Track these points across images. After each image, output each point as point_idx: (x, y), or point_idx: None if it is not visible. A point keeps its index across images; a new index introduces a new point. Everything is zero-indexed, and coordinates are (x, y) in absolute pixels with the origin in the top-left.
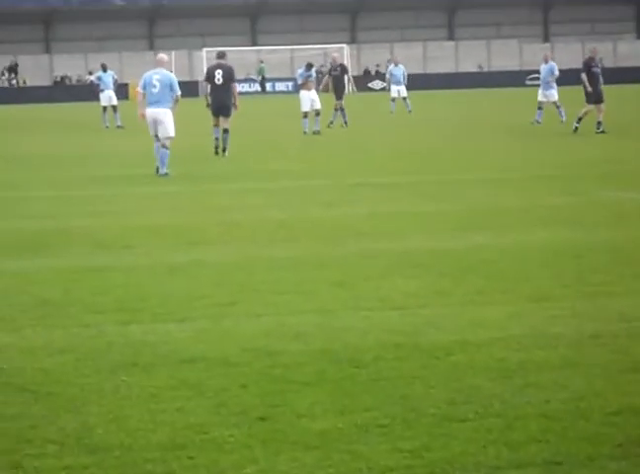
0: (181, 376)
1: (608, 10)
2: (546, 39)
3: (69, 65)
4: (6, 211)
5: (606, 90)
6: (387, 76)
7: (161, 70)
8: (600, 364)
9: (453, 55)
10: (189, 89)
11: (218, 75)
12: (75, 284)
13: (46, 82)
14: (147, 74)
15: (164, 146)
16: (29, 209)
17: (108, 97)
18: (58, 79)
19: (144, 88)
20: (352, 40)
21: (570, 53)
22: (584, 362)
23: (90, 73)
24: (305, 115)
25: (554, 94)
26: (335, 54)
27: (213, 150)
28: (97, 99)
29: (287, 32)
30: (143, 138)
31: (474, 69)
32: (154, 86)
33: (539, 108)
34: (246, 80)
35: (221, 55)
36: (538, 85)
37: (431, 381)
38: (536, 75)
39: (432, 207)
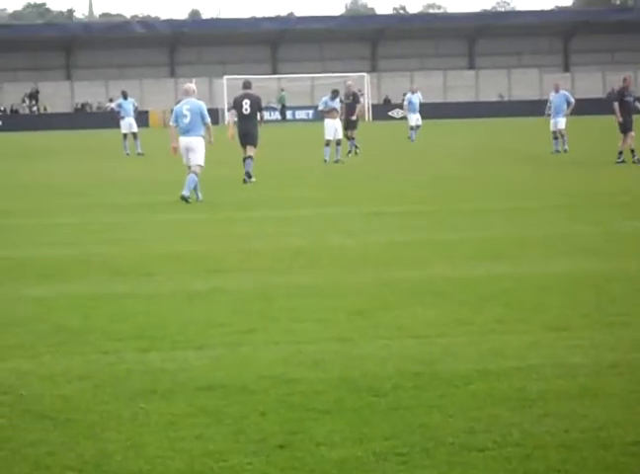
0: (199, 404)
1: (628, 39)
2: (566, 68)
3: (90, 92)
4: (26, 238)
5: None
6: (405, 104)
7: (190, 100)
8: (619, 394)
9: (474, 84)
10: (210, 117)
11: (246, 105)
12: (94, 311)
13: (67, 109)
14: (177, 106)
15: (193, 172)
16: (49, 237)
17: (128, 124)
18: (79, 106)
19: (176, 120)
20: (372, 69)
21: (590, 83)
22: (603, 392)
23: (110, 100)
24: (327, 143)
25: (562, 122)
26: (349, 82)
27: (243, 180)
28: (117, 126)
29: (308, 60)
30: (164, 166)
31: (495, 98)
32: (185, 116)
33: (555, 137)
34: (266, 108)
35: (247, 85)
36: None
37: (449, 410)
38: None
39: (451, 236)
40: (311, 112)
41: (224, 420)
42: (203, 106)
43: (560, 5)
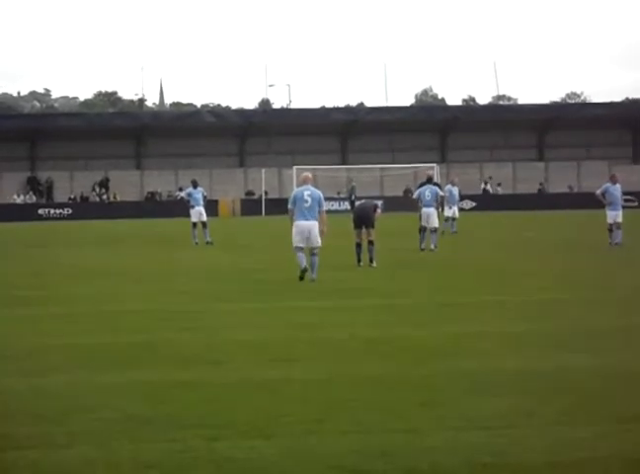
0: None
1: None
2: (636, 160)
3: (159, 181)
4: (97, 325)
5: None
6: (446, 195)
7: (309, 187)
8: None
9: (543, 176)
10: (280, 207)
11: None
12: (162, 399)
13: (137, 197)
14: (298, 190)
15: (314, 254)
16: (118, 323)
17: (198, 213)
18: (149, 195)
19: (294, 204)
20: (442, 160)
21: None
22: None
23: (180, 189)
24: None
25: (620, 215)
26: (429, 172)
27: (357, 263)
28: (187, 215)
29: (377, 151)
30: (232, 255)
31: (564, 190)
32: (306, 201)
33: (610, 230)
34: (336, 199)
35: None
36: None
37: None
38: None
39: (520, 328)
40: (380, 202)
41: None
42: (322, 195)
43: (631, 97)
